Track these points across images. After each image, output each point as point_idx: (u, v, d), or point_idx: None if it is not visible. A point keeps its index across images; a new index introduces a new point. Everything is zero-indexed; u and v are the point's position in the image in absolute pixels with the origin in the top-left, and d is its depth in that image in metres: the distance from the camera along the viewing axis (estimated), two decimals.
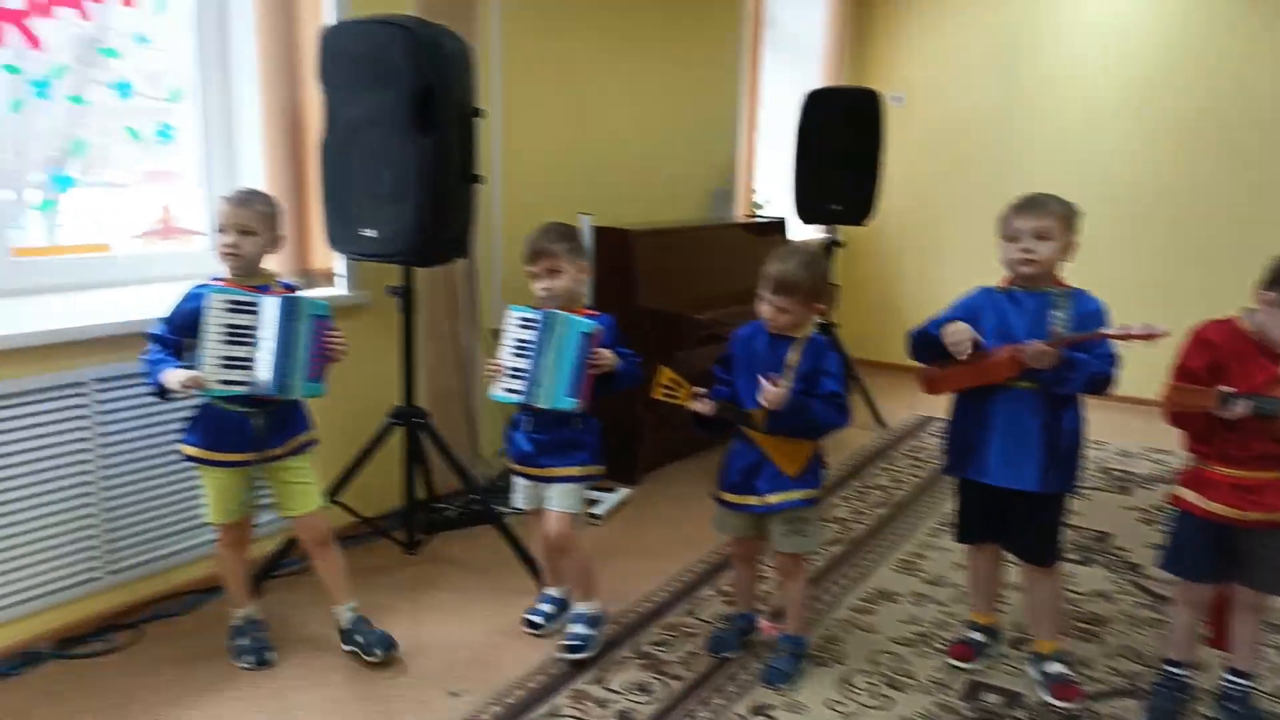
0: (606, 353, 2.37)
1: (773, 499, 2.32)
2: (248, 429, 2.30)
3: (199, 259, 2.86)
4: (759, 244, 4.60)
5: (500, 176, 3.56)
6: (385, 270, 2.90)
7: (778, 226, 4.90)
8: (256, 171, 2.87)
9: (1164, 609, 2.80)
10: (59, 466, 2.42)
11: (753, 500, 2.35)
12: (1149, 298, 4.46)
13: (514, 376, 2.37)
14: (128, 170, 2.86)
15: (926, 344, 2.32)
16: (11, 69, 2.48)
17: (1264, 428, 2.01)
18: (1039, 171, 5.24)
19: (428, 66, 2.53)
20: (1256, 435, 2.03)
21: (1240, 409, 1.98)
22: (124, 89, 2.75)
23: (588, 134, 4.03)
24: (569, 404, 2.33)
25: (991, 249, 2.37)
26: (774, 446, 2.30)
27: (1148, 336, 2.04)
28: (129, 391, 2.51)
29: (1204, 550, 2.17)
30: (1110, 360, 2.17)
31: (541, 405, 2.36)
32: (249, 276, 2.32)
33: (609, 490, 3.62)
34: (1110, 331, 2.14)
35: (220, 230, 2.29)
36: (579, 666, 2.45)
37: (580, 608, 2.58)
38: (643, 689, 2.37)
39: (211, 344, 2.19)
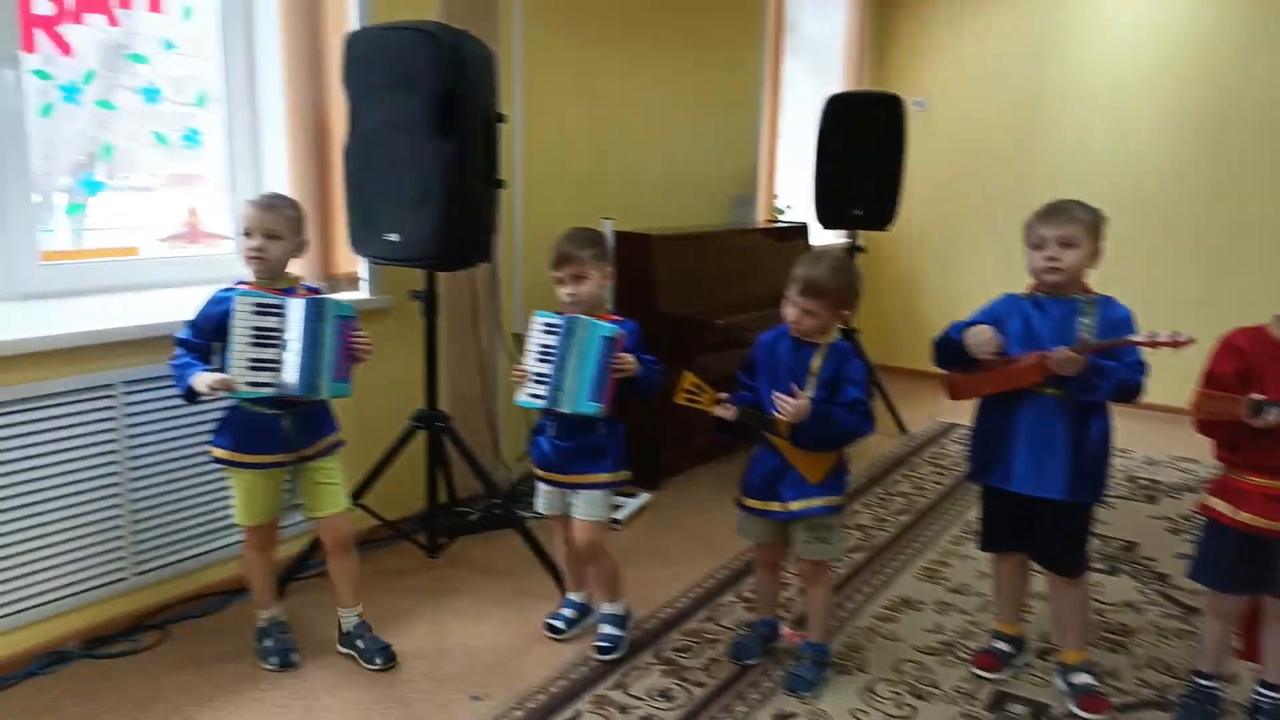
0: (629, 357, 2.37)
1: (795, 506, 2.31)
2: (279, 430, 2.32)
3: (225, 263, 2.88)
4: (780, 249, 4.59)
5: (522, 181, 3.57)
6: (408, 274, 2.91)
7: (799, 232, 4.89)
8: (281, 176, 2.90)
9: (1192, 620, 2.77)
10: (87, 468, 2.44)
11: (775, 506, 2.33)
12: (1176, 305, 4.42)
13: (538, 382, 2.38)
14: (155, 174, 2.90)
15: (950, 349, 2.30)
16: (42, 74, 2.51)
17: None
18: (1063, 176, 5.20)
19: (450, 72, 2.54)
20: None
21: (1272, 417, 1.95)
22: (151, 94, 2.78)
23: (609, 139, 4.04)
24: (592, 408, 2.33)
25: (1015, 255, 2.35)
26: (797, 453, 2.29)
27: (1175, 344, 2.01)
28: (157, 393, 2.54)
29: (1234, 561, 2.14)
30: (1139, 368, 2.15)
31: (564, 409, 2.36)
32: (274, 280, 2.34)
33: (630, 495, 3.61)
34: (1137, 338, 2.11)
35: (245, 234, 2.31)
36: (609, 667, 2.46)
37: (607, 608, 2.58)
38: (665, 695, 2.36)
39: (239, 346, 2.20)
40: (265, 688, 2.35)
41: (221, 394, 2.24)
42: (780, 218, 5.28)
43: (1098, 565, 3.15)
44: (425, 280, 2.85)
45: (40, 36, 2.49)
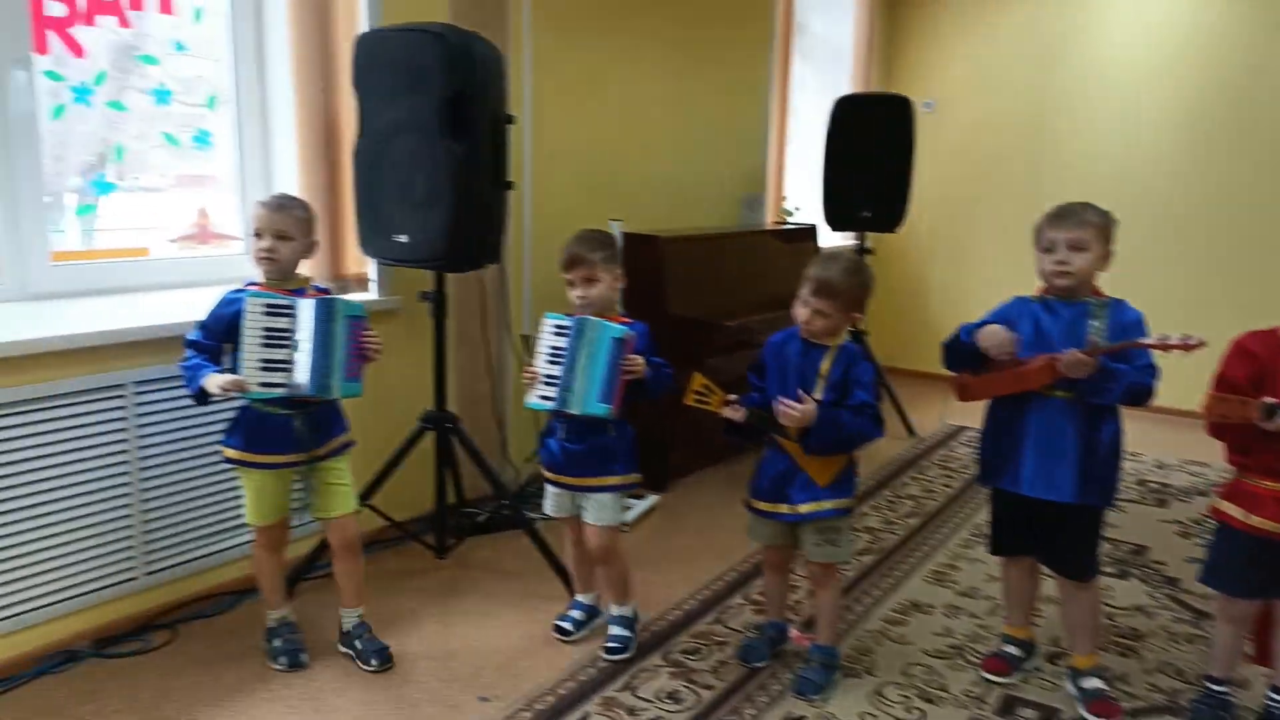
0: (638, 358, 2.36)
1: (804, 508, 2.30)
2: (290, 431, 2.32)
3: (235, 263, 2.89)
4: (789, 251, 4.59)
5: (531, 183, 3.58)
6: (417, 275, 2.92)
7: (808, 233, 4.89)
8: (291, 177, 2.90)
9: (1204, 625, 2.75)
10: (98, 468, 2.45)
11: (784, 509, 2.33)
12: (1188, 307, 4.39)
13: (548, 383, 2.38)
14: (165, 175, 2.91)
15: (960, 351, 2.29)
16: (53, 75, 2.53)
17: None
18: (1073, 179, 5.19)
19: (460, 73, 2.55)
20: None
21: None
22: (162, 95, 2.80)
23: (618, 140, 4.04)
24: (601, 410, 2.33)
25: (1024, 257, 2.34)
26: (806, 455, 2.28)
27: (1186, 347, 1.99)
28: (167, 394, 2.54)
29: (1245, 565, 2.12)
30: (1150, 371, 2.14)
31: (574, 410, 2.36)
32: (284, 281, 2.35)
33: (639, 497, 3.61)
34: (1147, 341, 2.09)
35: (256, 235, 2.31)
36: (618, 668, 2.46)
37: (616, 610, 2.58)
38: (673, 697, 2.36)
39: (250, 347, 2.21)
40: (274, 688, 2.36)
41: (233, 395, 2.25)
42: (789, 219, 5.27)
43: (1108, 569, 3.14)
44: (434, 281, 2.86)
45: (52, 38, 2.50)
